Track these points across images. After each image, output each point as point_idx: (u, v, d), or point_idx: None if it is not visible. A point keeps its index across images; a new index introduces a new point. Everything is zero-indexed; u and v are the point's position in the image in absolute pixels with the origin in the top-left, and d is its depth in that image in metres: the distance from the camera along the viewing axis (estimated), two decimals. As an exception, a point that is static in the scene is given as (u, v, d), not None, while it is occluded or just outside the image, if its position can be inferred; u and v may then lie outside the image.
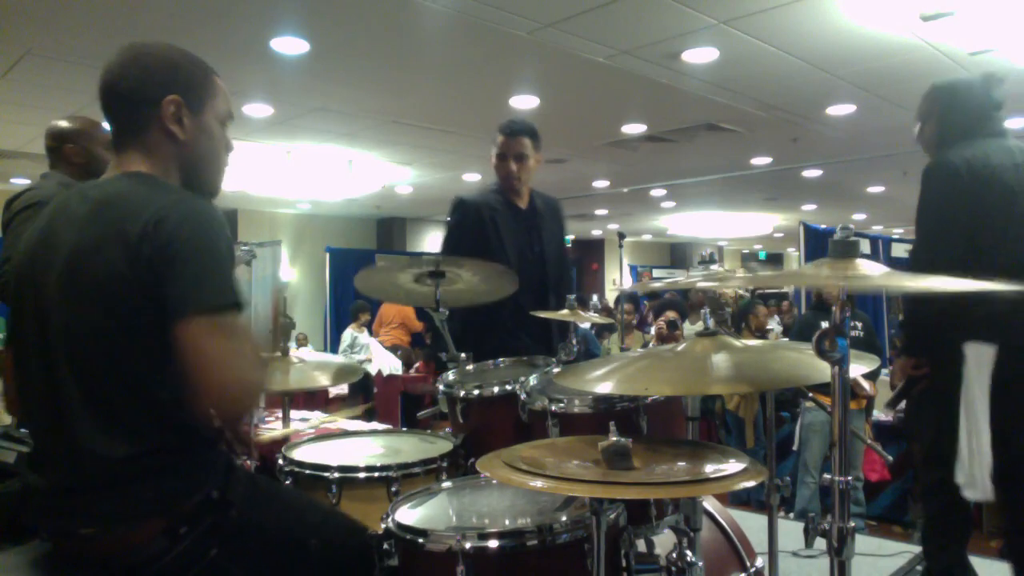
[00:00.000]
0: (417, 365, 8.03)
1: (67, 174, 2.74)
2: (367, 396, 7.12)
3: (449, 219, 2.97)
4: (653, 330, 6.18)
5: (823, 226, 7.31)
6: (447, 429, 2.13)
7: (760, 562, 1.86)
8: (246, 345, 1.28)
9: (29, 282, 1.33)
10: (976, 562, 2.55)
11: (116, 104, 1.39)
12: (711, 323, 1.48)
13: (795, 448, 4.98)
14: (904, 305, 2.75)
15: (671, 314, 5.64)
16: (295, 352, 2.49)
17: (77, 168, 2.74)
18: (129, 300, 1.24)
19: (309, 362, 2.38)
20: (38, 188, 2.65)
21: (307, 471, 1.81)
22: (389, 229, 13.06)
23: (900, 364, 2.56)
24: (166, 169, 1.40)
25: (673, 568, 1.34)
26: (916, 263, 2.57)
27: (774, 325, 10.47)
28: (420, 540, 1.38)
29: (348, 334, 8.15)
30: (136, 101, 1.37)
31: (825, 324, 1.16)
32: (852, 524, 1.18)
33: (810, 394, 3.06)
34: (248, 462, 1.70)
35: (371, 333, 8.43)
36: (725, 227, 15.13)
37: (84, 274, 1.26)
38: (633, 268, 16.85)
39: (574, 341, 2.01)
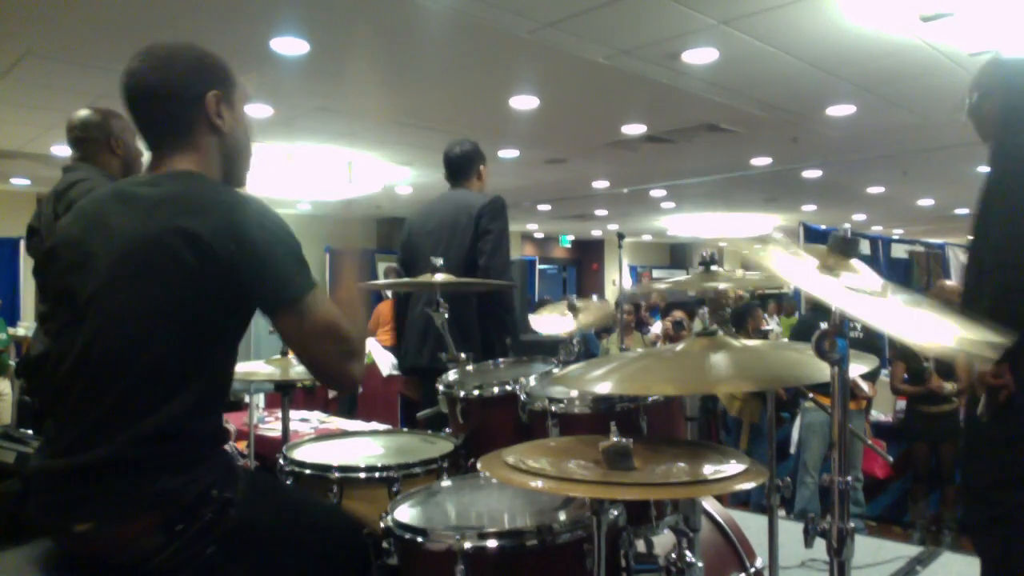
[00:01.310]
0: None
1: (104, 166, 2.61)
2: (351, 397, 7.09)
3: (501, 219, 3.11)
4: (659, 330, 6.18)
5: (823, 226, 7.31)
6: (447, 430, 2.13)
7: (760, 562, 1.86)
8: (332, 315, 1.41)
9: (76, 269, 1.35)
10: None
11: (155, 106, 1.41)
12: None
13: (792, 451, 4.98)
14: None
15: (678, 314, 5.63)
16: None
17: (119, 160, 2.65)
18: (186, 292, 1.28)
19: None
20: (88, 180, 2.47)
21: (308, 471, 1.81)
22: (389, 229, 13.04)
23: (987, 371, 2.09)
24: (209, 164, 1.44)
25: (672, 568, 1.34)
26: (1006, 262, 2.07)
27: (774, 325, 10.47)
28: (419, 539, 1.38)
29: None
30: (181, 101, 1.40)
31: (825, 324, 1.16)
32: (852, 524, 1.18)
33: (810, 394, 3.04)
34: (248, 462, 1.70)
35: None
36: (725, 227, 15.12)
37: (141, 264, 1.29)
38: (633, 268, 16.84)
39: (574, 341, 2.02)
